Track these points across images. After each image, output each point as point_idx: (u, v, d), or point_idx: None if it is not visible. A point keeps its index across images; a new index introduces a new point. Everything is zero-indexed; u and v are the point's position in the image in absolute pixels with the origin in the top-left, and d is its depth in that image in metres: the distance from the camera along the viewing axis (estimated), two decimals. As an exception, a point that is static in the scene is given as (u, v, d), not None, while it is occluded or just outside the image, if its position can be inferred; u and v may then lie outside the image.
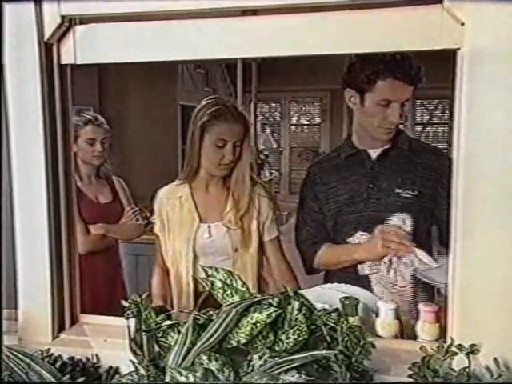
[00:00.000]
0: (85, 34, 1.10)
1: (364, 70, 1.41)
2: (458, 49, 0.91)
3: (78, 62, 1.10)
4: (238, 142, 1.58)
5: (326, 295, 1.35)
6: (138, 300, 0.95)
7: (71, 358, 1.08)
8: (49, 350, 1.08)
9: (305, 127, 8.82)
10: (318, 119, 8.70)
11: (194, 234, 1.62)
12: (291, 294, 0.99)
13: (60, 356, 1.08)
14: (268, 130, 8.30)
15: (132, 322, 0.96)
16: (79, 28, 1.10)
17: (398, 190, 1.46)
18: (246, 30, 1.03)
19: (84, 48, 1.10)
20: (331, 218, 1.55)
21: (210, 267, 1.03)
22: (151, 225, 3.40)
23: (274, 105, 8.49)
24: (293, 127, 8.62)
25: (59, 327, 1.19)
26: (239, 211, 1.61)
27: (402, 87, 1.39)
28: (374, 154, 1.52)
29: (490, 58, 0.87)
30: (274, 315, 0.92)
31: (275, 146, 7.74)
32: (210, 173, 1.63)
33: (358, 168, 1.53)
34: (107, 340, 1.13)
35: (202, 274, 1.56)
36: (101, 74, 4.06)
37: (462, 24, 0.88)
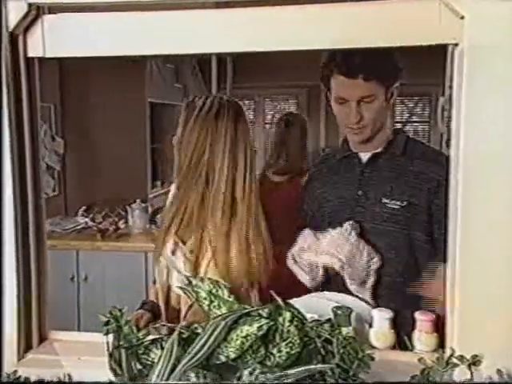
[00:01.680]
0: (54, 25, 1.06)
1: (321, 65, 1.42)
2: (457, 44, 0.92)
3: (48, 56, 1.06)
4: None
5: (314, 304, 1.35)
6: (118, 314, 0.92)
7: (41, 382, 1.04)
8: (16, 372, 1.04)
9: (280, 126, 8.86)
10: (293, 117, 8.74)
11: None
12: (282, 303, 0.98)
13: (27, 378, 1.04)
14: (241, 129, 8.29)
15: (110, 337, 0.94)
16: (48, 17, 1.06)
17: (384, 200, 1.42)
18: (220, 23, 1.01)
19: (53, 40, 1.06)
20: (325, 224, 1.54)
21: (195, 277, 1.01)
22: (119, 230, 3.37)
23: (247, 102, 8.50)
24: (267, 126, 8.64)
25: (26, 346, 1.15)
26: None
27: (353, 84, 1.36)
28: (365, 158, 1.49)
29: (491, 52, 0.89)
30: (265, 327, 0.91)
31: (249, 145, 7.73)
32: None
33: (349, 172, 1.51)
34: (81, 358, 1.10)
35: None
36: (62, 68, 3.98)
37: (462, 18, 0.89)
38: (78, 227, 3.50)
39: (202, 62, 5.56)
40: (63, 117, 4.11)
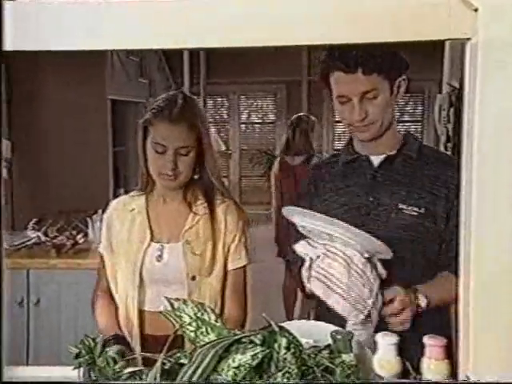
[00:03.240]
0: (16, 13, 1.05)
1: (320, 63, 1.49)
2: (469, 39, 0.94)
3: (9, 49, 1.05)
4: (182, 149, 1.53)
5: (306, 328, 1.35)
6: (91, 344, 0.91)
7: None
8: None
9: (257, 126, 8.91)
10: (272, 117, 8.80)
11: (142, 254, 1.58)
12: (276, 328, 0.99)
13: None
14: (213, 130, 8.32)
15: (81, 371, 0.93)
16: (8, 4, 1.05)
17: (401, 206, 1.45)
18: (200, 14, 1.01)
19: (16, 31, 1.05)
20: None
21: (177, 299, 1.01)
22: (77, 245, 3.33)
23: (220, 100, 8.52)
24: (243, 126, 8.69)
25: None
26: (200, 230, 1.59)
27: (353, 79, 1.41)
28: (377, 161, 1.52)
29: (506, 47, 0.91)
30: (260, 356, 0.91)
31: (223, 148, 7.74)
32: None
33: (357, 177, 1.53)
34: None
35: (148, 307, 1.58)
36: (8, 59, 3.92)
37: (475, 10, 0.91)
38: (29, 243, 3.43)
39: (169, 54, 5.57)
40: (10, 115, 4.05)
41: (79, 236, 3.36)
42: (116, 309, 1.64)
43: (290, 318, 3.99)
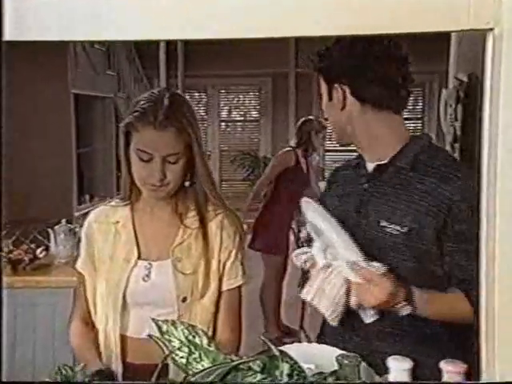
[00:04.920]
0: (16, 1, 1.05)
1: None
2: (491, 29, 0.96)
3: (8, 39, 1.04)
4: (171, 156, 1.50)
5: (307, 351, 1.36)
6: (69, 374, 0.90)
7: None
8: None
9: (238, 124, 8.94)
10: (255, 114, 8.84)
11: (127, 274, 1.56)
12: (277, 353, 0.99)
13: None
14: (189, 129, 8.34)
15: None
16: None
17: (383, 223, 1.44)
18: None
19: (17, 20, 1.04)
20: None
21: (166, 320, 1.00)
22: (37, 260, 3.29)
23: (197, 95, 8.53)
24: (223, 124, 8.71)
25: None
26: (191, 246, 1.58)
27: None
28: (370, 168, 1.53)
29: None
30: (260, 385, 0.92)
31: (201, 149, 7.77)
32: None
33: (354, 185, 1.56)
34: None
35: (130, 333, 1.57)
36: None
37: (499, -3, 0.93)
38: (-21, 258, 3.40)
39: (140, 43, 5.54)
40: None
41: (39, 250, 3.33)
42: (96, 335, 1.61)
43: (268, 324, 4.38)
